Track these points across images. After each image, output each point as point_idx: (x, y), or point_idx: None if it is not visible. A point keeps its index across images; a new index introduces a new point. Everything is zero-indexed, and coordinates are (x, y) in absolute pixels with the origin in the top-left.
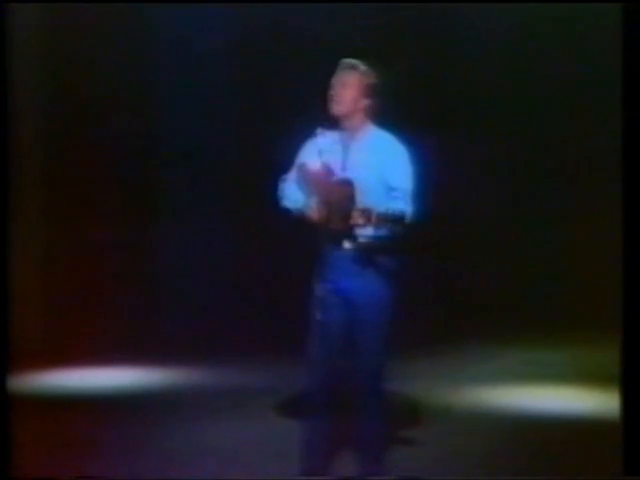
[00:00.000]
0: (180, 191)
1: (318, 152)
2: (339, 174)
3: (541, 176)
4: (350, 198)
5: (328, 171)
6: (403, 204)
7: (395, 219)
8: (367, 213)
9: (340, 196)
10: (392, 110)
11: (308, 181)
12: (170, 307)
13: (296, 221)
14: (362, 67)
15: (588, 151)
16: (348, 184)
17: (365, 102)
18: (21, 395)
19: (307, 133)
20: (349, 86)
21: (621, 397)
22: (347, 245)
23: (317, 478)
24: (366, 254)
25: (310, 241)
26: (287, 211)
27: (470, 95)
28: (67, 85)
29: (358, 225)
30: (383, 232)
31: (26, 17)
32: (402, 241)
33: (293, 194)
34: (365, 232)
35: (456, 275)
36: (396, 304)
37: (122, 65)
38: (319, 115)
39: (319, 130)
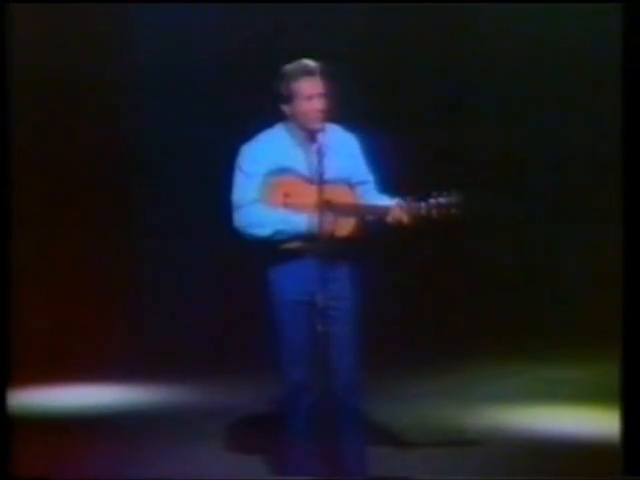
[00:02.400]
0: (172, 206)
1: (276, 160)
2: (327, 178)
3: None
4: (358, 198)
5: (313, 177)
6: (380, 195)
7: (448, 204)
8: (411, 207)
9: (345, 199)
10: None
11: (291, 194)
12: (168, 323)
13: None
14: (323, 69)
15: (587, 159)
16: (347, 185)
17: (329, 104)
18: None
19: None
20: (324, 95)
21: (621, 411)
22: (357, 248)
23: (306, 478)
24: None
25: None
26: (255, 240)
27: (469, 95)
28: (66, 85)
29: (399, 222)
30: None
31: (26, 17)
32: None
33: (266, 216)
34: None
35: (469, 292)
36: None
37: (120, 66)
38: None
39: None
